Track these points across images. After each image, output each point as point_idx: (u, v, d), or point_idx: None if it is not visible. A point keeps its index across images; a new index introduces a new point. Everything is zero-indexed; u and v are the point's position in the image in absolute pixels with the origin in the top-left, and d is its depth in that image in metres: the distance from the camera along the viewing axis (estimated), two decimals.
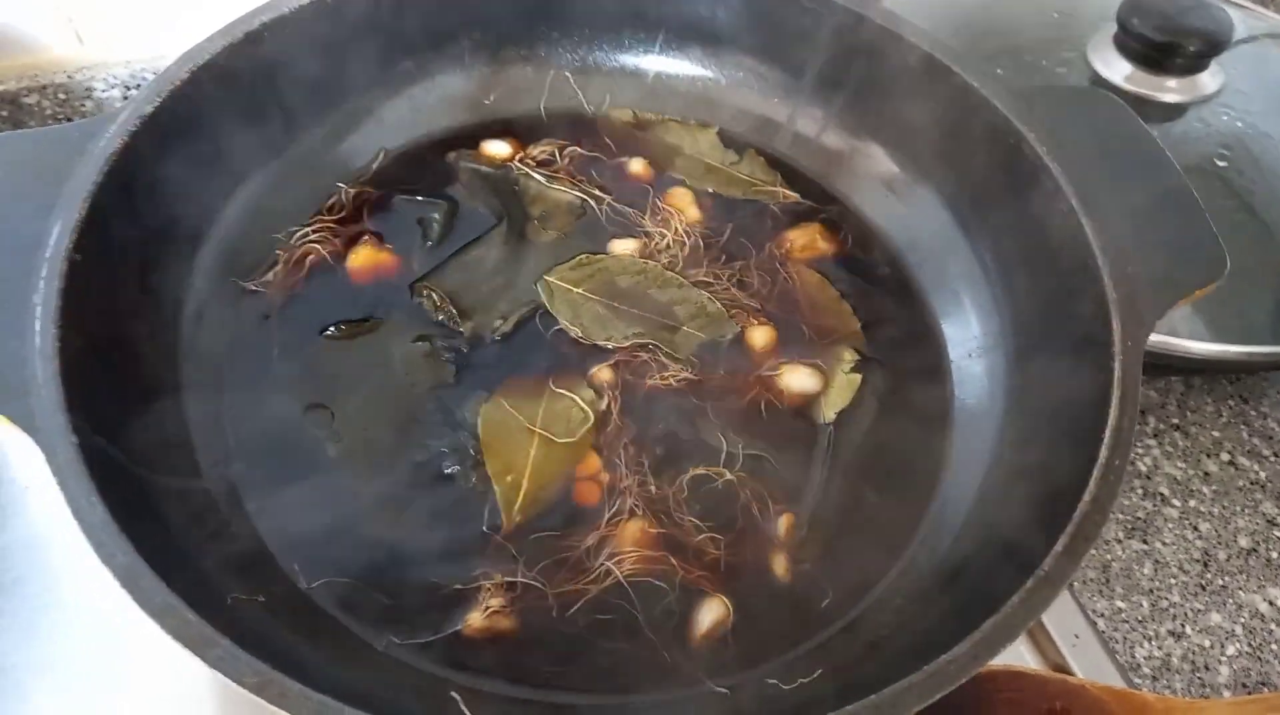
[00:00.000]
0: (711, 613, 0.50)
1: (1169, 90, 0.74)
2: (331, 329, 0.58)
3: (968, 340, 0.60)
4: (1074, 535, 0.41)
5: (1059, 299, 0.53)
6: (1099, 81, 0.75)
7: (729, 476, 0.54)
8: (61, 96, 0.78)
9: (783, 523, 0.53)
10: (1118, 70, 0.75)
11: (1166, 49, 0.73)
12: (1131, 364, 0.47)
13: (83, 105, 0.79)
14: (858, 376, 0.58)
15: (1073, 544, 0.41)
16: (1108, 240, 0.51)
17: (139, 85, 0.79)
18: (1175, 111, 0.74)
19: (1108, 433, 0.44)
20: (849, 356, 0.59)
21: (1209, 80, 0.75)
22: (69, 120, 0.79)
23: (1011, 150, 0.57)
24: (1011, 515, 0.49)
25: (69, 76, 0.77)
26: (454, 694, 0.44)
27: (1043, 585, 0.40)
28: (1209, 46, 0.73)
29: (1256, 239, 0.69)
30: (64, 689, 0.55)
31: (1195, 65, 0.74)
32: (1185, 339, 0.67)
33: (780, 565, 0.52)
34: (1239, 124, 0.73)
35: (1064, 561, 0.40)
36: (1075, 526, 0.41)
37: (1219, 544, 0.69)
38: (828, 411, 0.57)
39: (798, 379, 0.58)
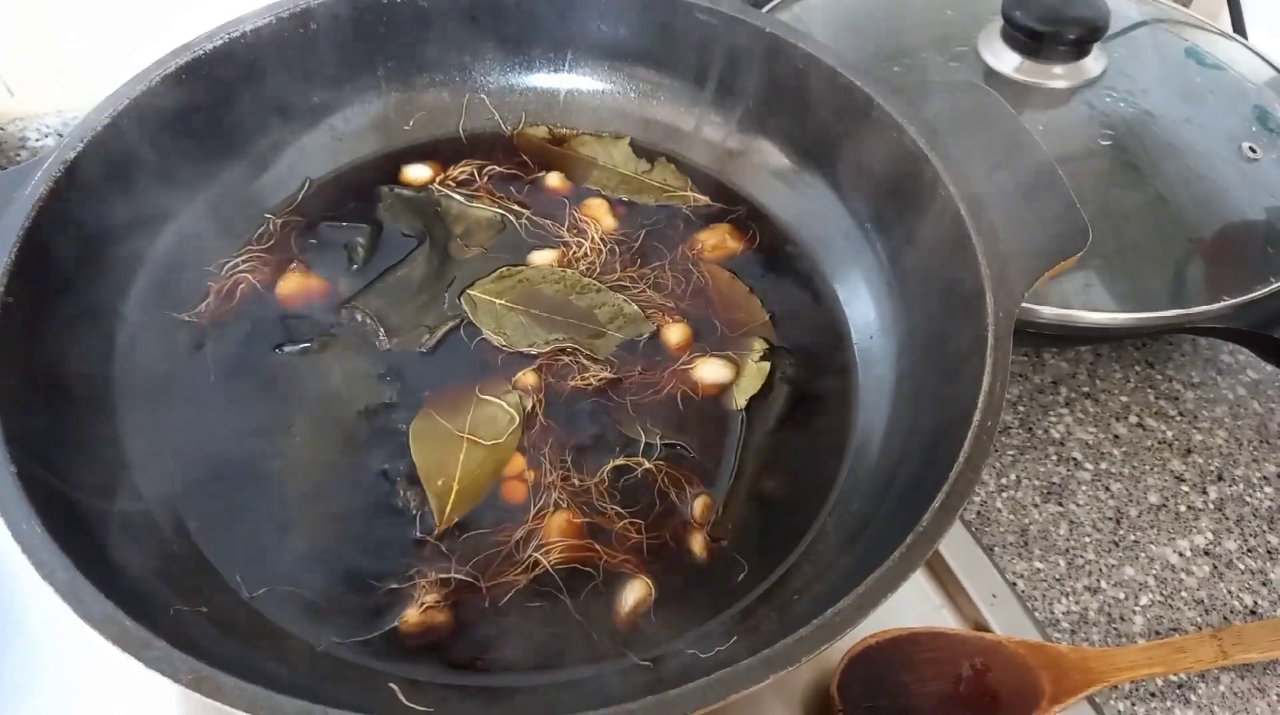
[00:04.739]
0: (635, 593, 0.53)
1: (1055, 77, 0.78)
2: (275, 351, 0.61)
3: (868, 323, 0.63)
4: (949, 492, 0.44)
5: (941, 277, 0.57)
6: (990, 73, 0.79)
7: (648, 465, 0.57)
8: None
9: (699, 505, 0.56)
10: (1007, 62, 0.79)
11: (1049, 38, 0.77)
12: (1003, 333, 0.50)
13: (18, 155, 0.81)
14: (767, 364, 0.62)
15: (948, 500, 0.44)
16: (982, 220, 0.55)
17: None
18: (1062, 97, 0.78)
19: (981, 396, 0.48)
20: (759, 346, 0.63)
21: (1092, 65, 0.79)
22: (4, 170, 0.81)
23: (895, 143, 0.61)
24: (904, 477, 0.52)
25: (2, 129, 0.80)
26: (391, 685, 0.47)
27: (921, 540, 0.43)
28: (1088, 33, 0.77)
29: (1143, 211, 0.73)
30: (39, 711, 0.57)
31: (1077, 52, 0.78)
32: (1084, 311, 0.70)
33: (698, 544, 0.55)
34: (1121, 104, 0.77)
35: (940, 517, 0.44)
36: (950, 485, 0.45)
37: (1130, 502, 0.73)
38: (739, 399, 0.61)
39: (711, 370, 0.62)
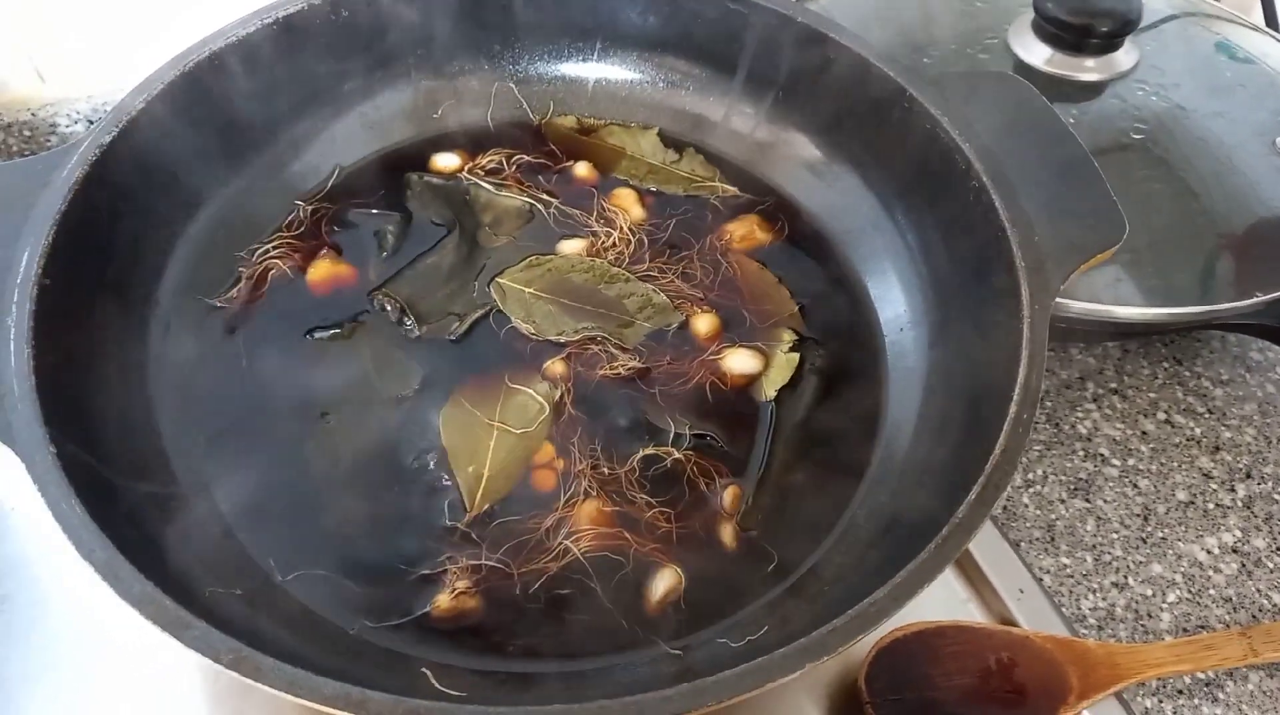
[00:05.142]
0: (665, 581, 0.53)
1: (1087, 70, 0.78)
2: (305, 337, 0.61)
3: (898, 315, 0.63)
4: (985, 484, 0.44)
5: (975, 269, 0.56)
6: (1021, 66, 0.79)
7: (677, 455, 0.57)
8: (27, 133, 0.81)
9: (729, 495, 0.56)
10: (1038, 54, 0.79)
11: (1081, 31, 0.77)
12: (1039, 325, 0.50)
13: (48, 141, 0.82)
14: (796, 355, 0.62)
15: (984, 493, 0.44)
16: (1016, 212, 0.55)
17: (102, 119, 0.82)
18: (1094, 90, 0.78)
19: (1017, 389, 0.47)
20: (788, 337, 0.63)
21: (1124, 58, 0.79)
22: (34, 155, 0.81)
23: (927, 134, 0.60)
24: (936, 469, 0.52)
25: (33, 114, 0.80)
26: (424, 670, 0.47)
27: (957, 531, 0.43)
28: (1120, 26, 0.77)
29: (1174, 205, 0.73)
30: (55, 698, 0.58)
31: (1109, 45, 0.78)
32: (1114, 305, 0.69)
33: (728, 534, 0.55)
34: (1154, 98, 0.77)
35: (976, 508, 0.44)
36: (986, 476, 0.44)
37: (1158, 498, 0.72)
38: (768, 389, 0.61)
39: (739, 361, 0.61)
